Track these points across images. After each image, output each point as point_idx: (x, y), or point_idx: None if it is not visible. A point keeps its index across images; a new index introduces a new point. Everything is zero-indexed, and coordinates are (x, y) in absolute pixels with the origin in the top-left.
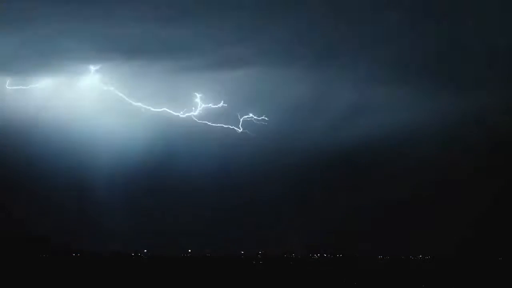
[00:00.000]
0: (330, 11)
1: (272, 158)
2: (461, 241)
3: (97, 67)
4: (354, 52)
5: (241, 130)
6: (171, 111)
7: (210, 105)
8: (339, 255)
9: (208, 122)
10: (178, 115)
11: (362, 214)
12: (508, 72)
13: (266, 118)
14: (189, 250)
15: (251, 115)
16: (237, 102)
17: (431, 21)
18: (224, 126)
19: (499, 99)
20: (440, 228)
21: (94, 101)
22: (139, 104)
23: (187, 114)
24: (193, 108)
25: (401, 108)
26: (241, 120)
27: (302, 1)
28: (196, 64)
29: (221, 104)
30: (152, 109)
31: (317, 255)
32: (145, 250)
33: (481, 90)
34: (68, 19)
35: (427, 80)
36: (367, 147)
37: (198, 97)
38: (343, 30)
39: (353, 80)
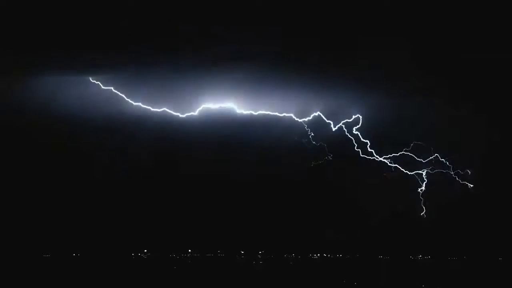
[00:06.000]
0: None
1: None
2: (461, 241)
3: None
4: None
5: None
6: (171, 111)
7: (210, 105)
8: (339, 255)
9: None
10: (178, 115)
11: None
12: None
13: None
14: (189, 250)
15: None
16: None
17: None
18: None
19: None
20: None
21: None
22: (139, 104)
23: (187, 114)
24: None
25: None
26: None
27: None
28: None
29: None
30: (152, 109)
31: (317, 255)
32: (145, 250)
33: None
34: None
35: None
36: None
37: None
38: None
39: None
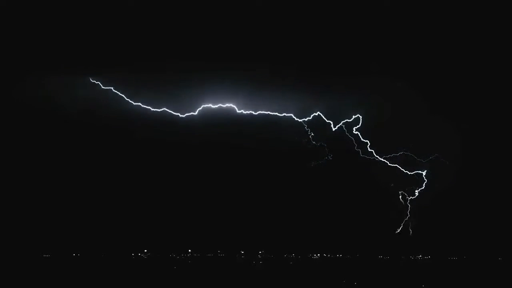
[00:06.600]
0: None
1: None
2: (461, 241)
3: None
4: None
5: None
6: (171, 111)
7: (210, 105)
8: (339, 255)
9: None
10: (178, 115)
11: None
12: None
13: None
14: (189, 250)
15: None
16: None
17: None
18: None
19: None
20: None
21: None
22: (139, 104)
23: (187, 114)
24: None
25: None
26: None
27: None
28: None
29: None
30: (152, 109)
31: (317, 255)
32: (145, 250)
33: None
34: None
35: None
36: None
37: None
38: None
39: None
